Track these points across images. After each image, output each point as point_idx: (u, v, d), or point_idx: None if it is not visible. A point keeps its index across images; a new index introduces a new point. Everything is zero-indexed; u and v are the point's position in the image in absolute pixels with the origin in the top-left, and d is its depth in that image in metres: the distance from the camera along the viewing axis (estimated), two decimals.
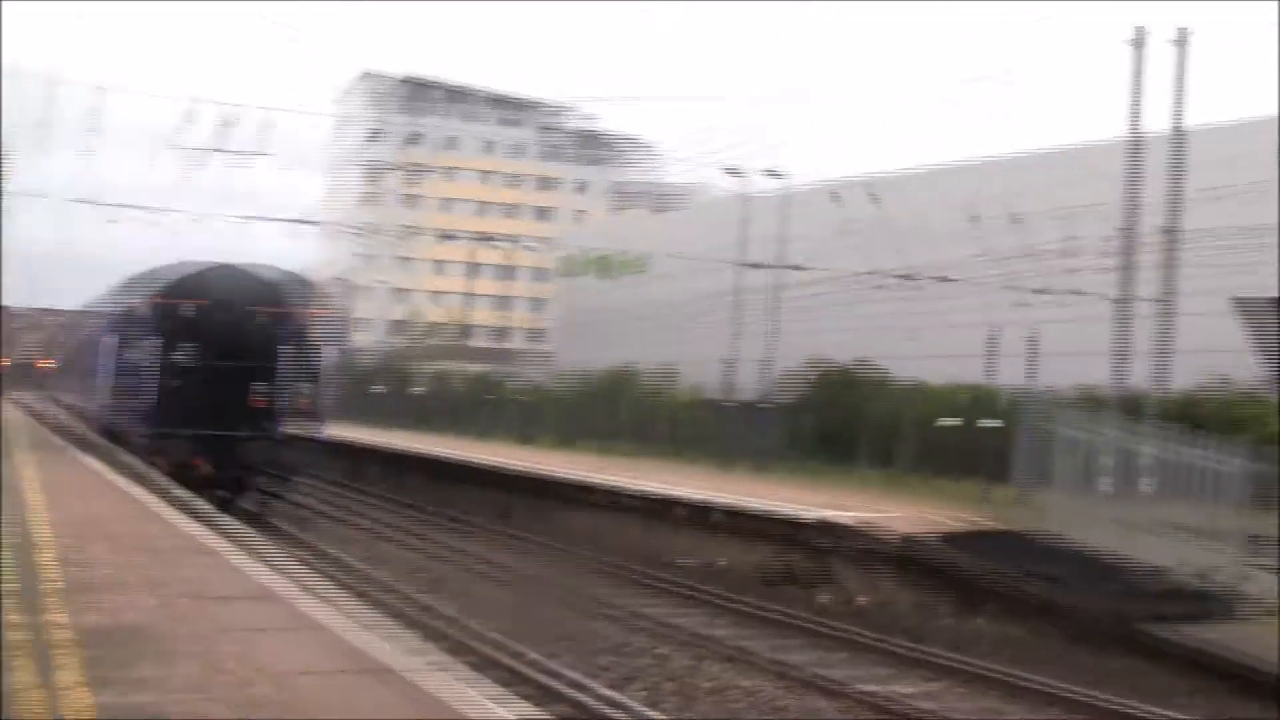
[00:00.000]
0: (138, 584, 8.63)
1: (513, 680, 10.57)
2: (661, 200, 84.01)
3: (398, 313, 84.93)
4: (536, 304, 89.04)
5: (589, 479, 23.53)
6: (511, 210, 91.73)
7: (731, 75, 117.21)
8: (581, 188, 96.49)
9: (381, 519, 24.28)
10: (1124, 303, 25.55)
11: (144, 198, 67.71)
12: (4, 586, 8.16)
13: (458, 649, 11.35)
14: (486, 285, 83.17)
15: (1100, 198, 28.39)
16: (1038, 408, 19.83)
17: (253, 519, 18.65)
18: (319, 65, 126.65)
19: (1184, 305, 25.37)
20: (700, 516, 20.04)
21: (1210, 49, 36.81)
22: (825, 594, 16.72)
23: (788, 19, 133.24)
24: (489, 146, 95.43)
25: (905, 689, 11.96)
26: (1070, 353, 26.80)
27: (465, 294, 76.60)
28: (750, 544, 18.74)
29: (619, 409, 37.39)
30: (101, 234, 56.20)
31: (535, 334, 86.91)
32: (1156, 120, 25.45)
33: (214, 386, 21.01)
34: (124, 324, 22.32)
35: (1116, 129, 26.45)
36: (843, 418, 29.54)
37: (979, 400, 26.75)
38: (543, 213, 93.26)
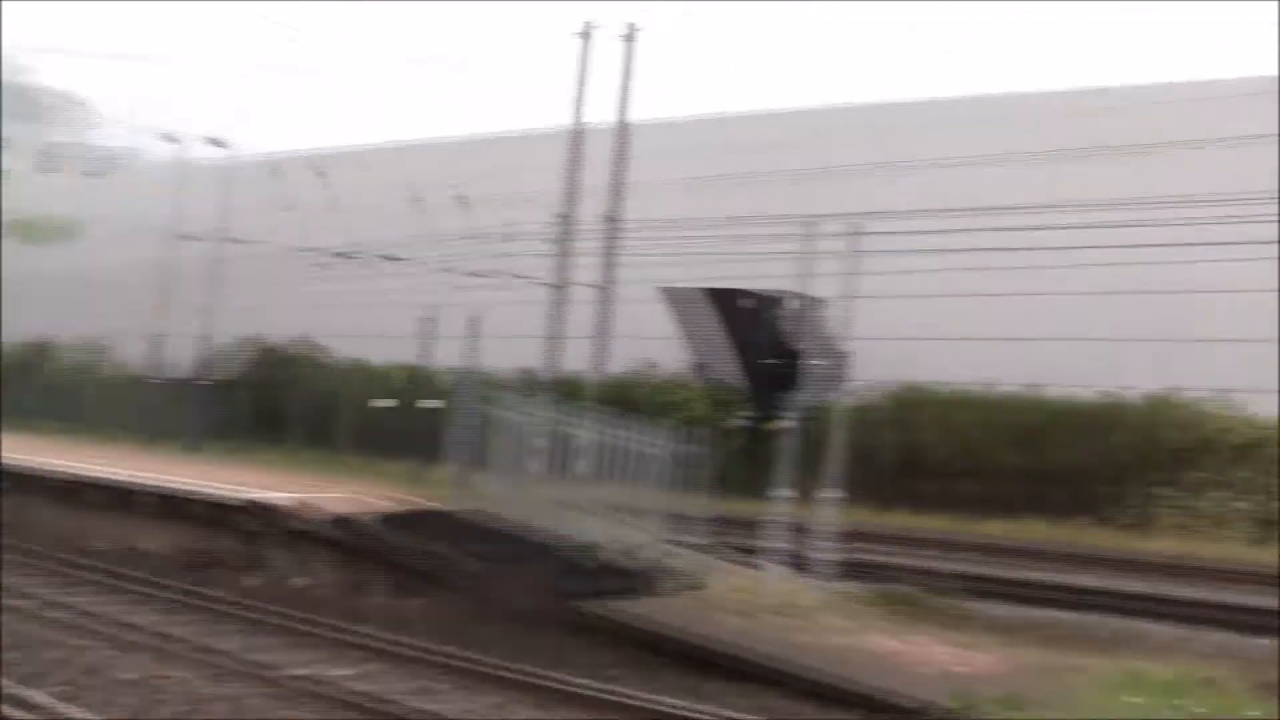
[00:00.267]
0: None
1: None
2: (95, 164, 78.67)
3: None
4: None
5: None
6: None
7: (203, 38, 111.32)
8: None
9: None
10: (561, 288, 26.41)
11: None
12: None
13: None
14: None
15: (544, 184, 29.27)
16: (474, 389, 20.04)
17: None
18: None
19: (622, 292, 26.59)
20: (122, 499, 18.74)
21: (657, 47, 38.89)
22: (257, 578, 16.06)
23: None
24: None
25: (339, 671, 11.62)
26: (511, 335, 27.39)
27: None
28: (177, 528, 17.72)
29: (35, 383, 34.64)
30: None
31: None
32: (603, 112, 26.55)
33: None
34: None
35: (563, 117, 27.37)
36: (279, 397, 28.76)
37: (416, 381, 26.81)
38: None
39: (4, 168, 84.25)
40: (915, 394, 30.57)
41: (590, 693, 11.00)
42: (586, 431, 17.27)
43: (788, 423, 18.62)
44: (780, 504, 17.88)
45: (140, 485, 18.79)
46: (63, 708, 9.53)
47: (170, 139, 38.68)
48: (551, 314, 26.10)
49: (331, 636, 13.03)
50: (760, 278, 27.48)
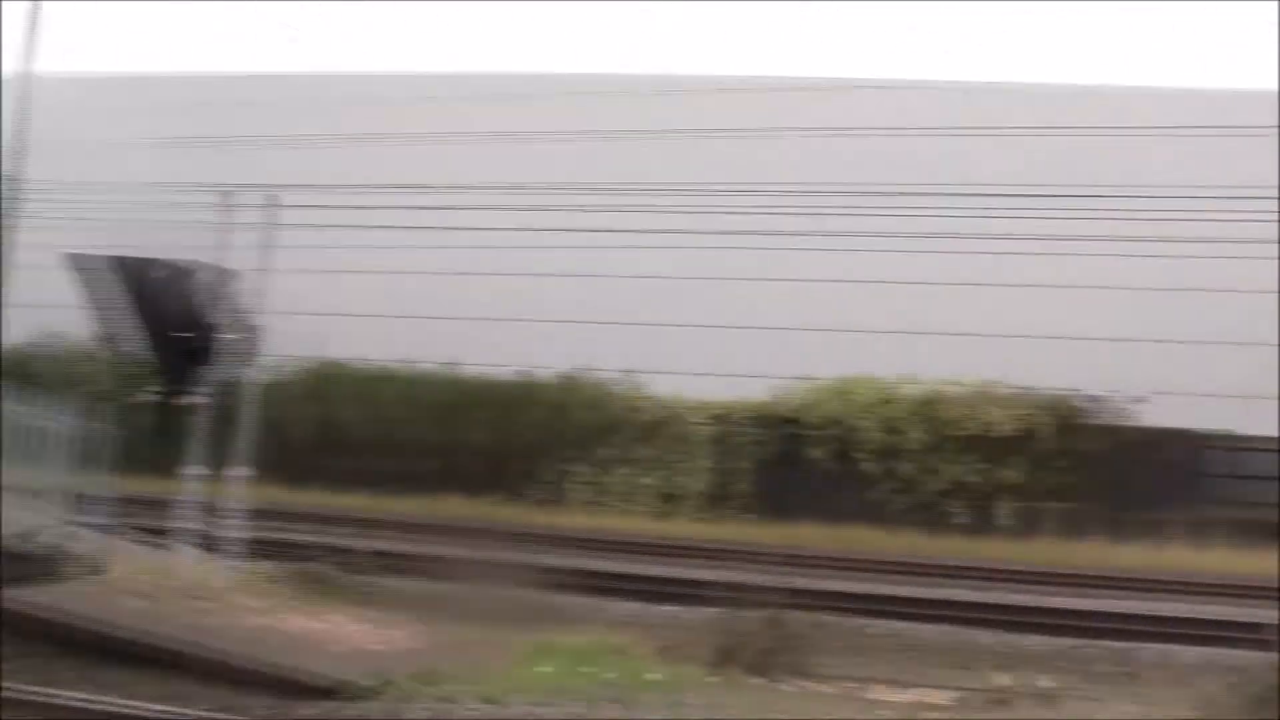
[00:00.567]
0: None
1: None
2: None
3: None
4: None
5: None
6: None
7: None
8: None
9: None
10: None
11: None
12: None
13: None
14: None
15: None
16: None
17: None
18: None
19: (24, 258, 24.58)
20: None
21: None
22: None
23: None
24: None
25: None
26: None
27: None
28: None
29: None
30: None
31: None
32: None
33: None
34: None
35: None
36: None
37: None
38: None
39: None
40: (333, 370, 30.51)
41: None
42: None
43: (199, 398, 18.08)
44: (191, 482, 17.29)
45: None
46: None
47: None
48: None
49: None
50: (175, 247, 26.39)
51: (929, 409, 27.27)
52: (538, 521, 23.92)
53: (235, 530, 16.68)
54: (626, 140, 29.19)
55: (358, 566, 15.97)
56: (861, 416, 27.45)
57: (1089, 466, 26.53)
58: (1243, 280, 28.62)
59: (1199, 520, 25.17)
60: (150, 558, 15.21)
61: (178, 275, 26.87)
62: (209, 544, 16.50)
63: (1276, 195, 26.35)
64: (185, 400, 19.46)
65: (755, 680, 11.64)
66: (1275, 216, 26.82)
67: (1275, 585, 19.79)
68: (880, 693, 11.74)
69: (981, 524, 26.16)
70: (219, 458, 17.64)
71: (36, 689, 10.25)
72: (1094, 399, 27.53)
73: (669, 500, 27.87)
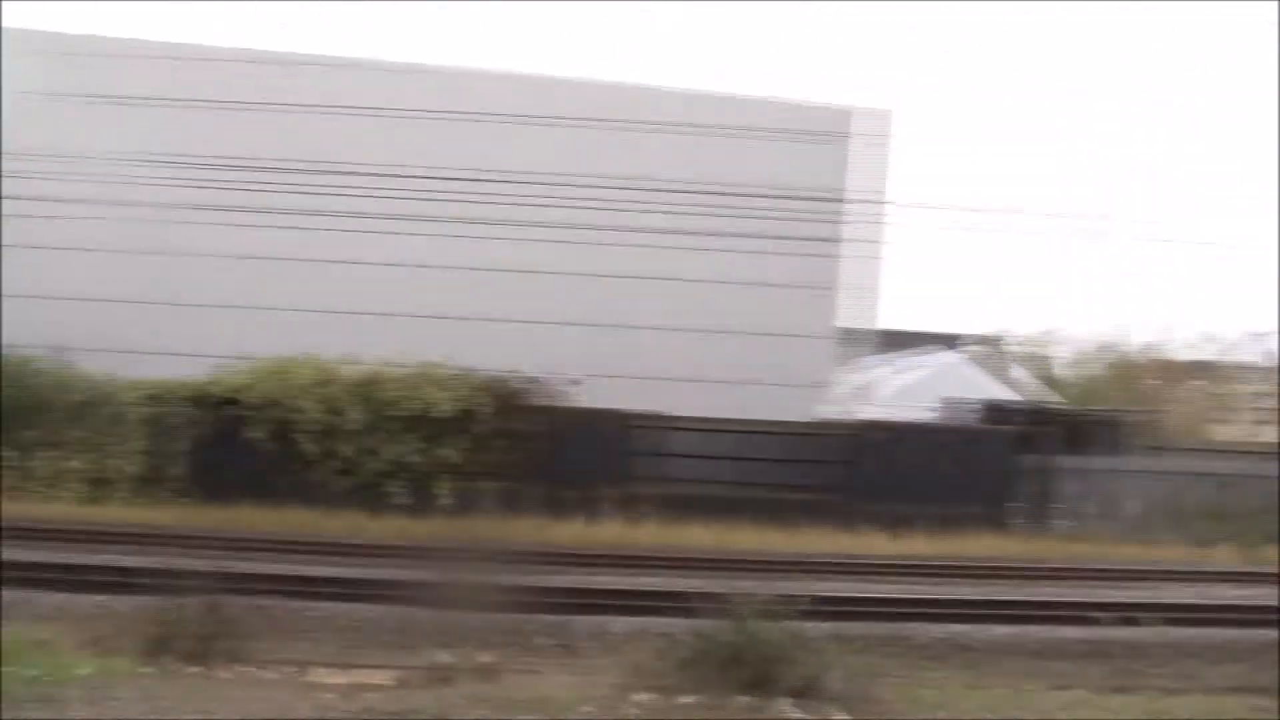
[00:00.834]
0: None
1: None
2: None
3: None
4: None
5: None
6: None
7: None
8: None
9: None
10: None
11: None
12: None
13: None
14: None
15: None
16: None
17: None
18: None
19: None
20: None
21: None
22: None
23: None
24: None
25: None
26: None
27: None
28: None
29: None
30: None
31: None
32: None
33: None
34: None
35: None
36: None
37: None
38: None
39: None
40: None
41: None
42: None
43: None
44: None
45: None
46: None
47: None
48: None
49: None
50: None
51: (369, 389, 27.23)
52: None
53: None
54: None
55: None
56: (301, 397, 26.94)
57: (527, 446, 27.40)
58: (668, 270, 30.76)
59: (629, 497, 26.68)
60: None
61: None
62: None
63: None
64: None
65: (192, 669, 11.06)
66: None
67: (696, 555, 21.30)
68: (320, 675, 11.46)
69: (422, 504, 26.41)
70: None
71: None
72: (532, 381, 28.45)
73: (100, 484, 26.17)
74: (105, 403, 26.91)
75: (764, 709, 9.83)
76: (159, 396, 27.17)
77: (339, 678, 11.42)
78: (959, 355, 45.41)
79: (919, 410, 35.76)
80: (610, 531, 25.05)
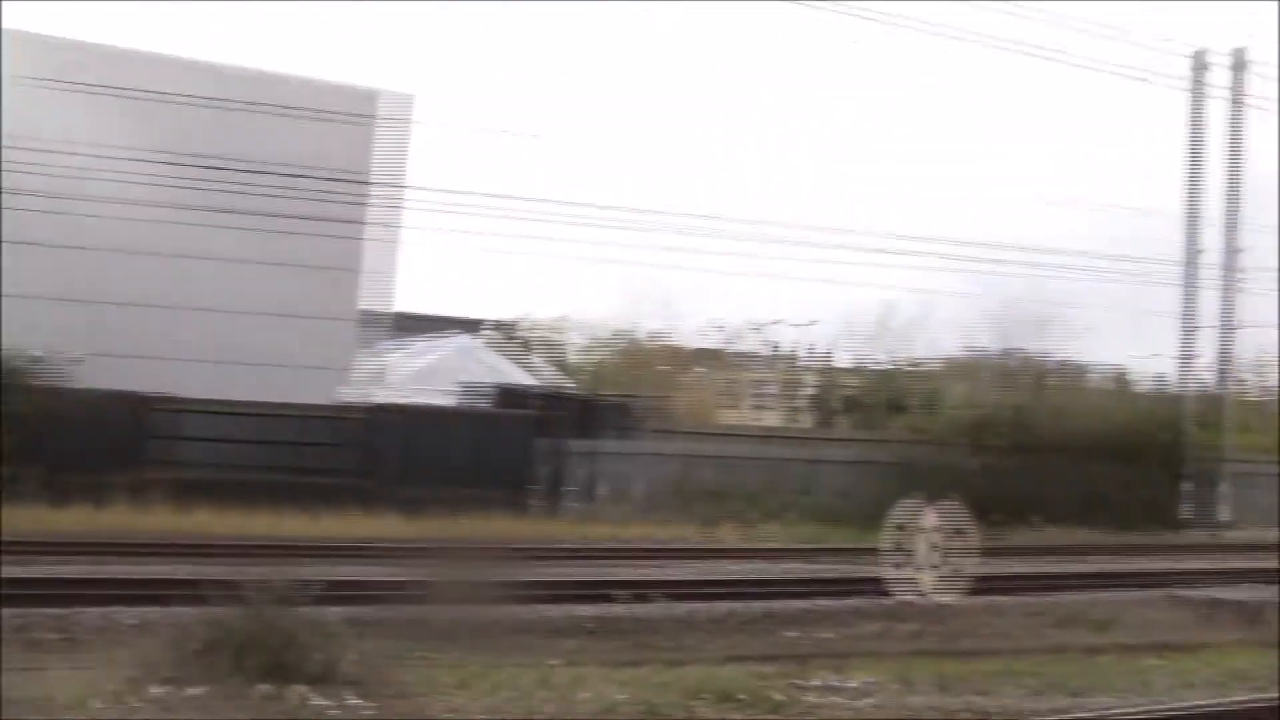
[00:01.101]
0: None
1: None
2: None
3: None
4: None
5: None
6: None
7: None
8: None
9: None
10: None
11: None
12: None
13: None
14: None
15: None
16: None
17: None
18: None
19: None
20: None
21: None
22: None
23: None
24: None
25: None
26: None
27: None
28: None
29: None
30: None
31: None
32: None
33: None
34: None
35: None
36: None
37: None
38: None
39: None
40: None
41: None
42: None
43: None
44: None
45: None
46: None
47: None
48: None
49: None
50: None
51: None
52: None
53: None
54: None
55: None
56: None
57: (26, 429, 25.66)
58: (188, 248, 29.72)
59: (140, 481, 25.58)
60: None
61: None
62: None
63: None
64: None
65: None
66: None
67: (211, 542, 20.76)
68: None
69: None
70: None
71: None
72: (35, 360, 26.74)
73: None
74: None
75: (280, 696, 9.82)
76: None
77: None
78: (477, 340, 46.30)
79: (436, 394, 36.22)
80: (119, 518, 23.92)
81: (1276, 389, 58.25)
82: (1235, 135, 37.30)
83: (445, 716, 9.94)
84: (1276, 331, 39.45)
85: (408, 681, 10.73)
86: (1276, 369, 55.11)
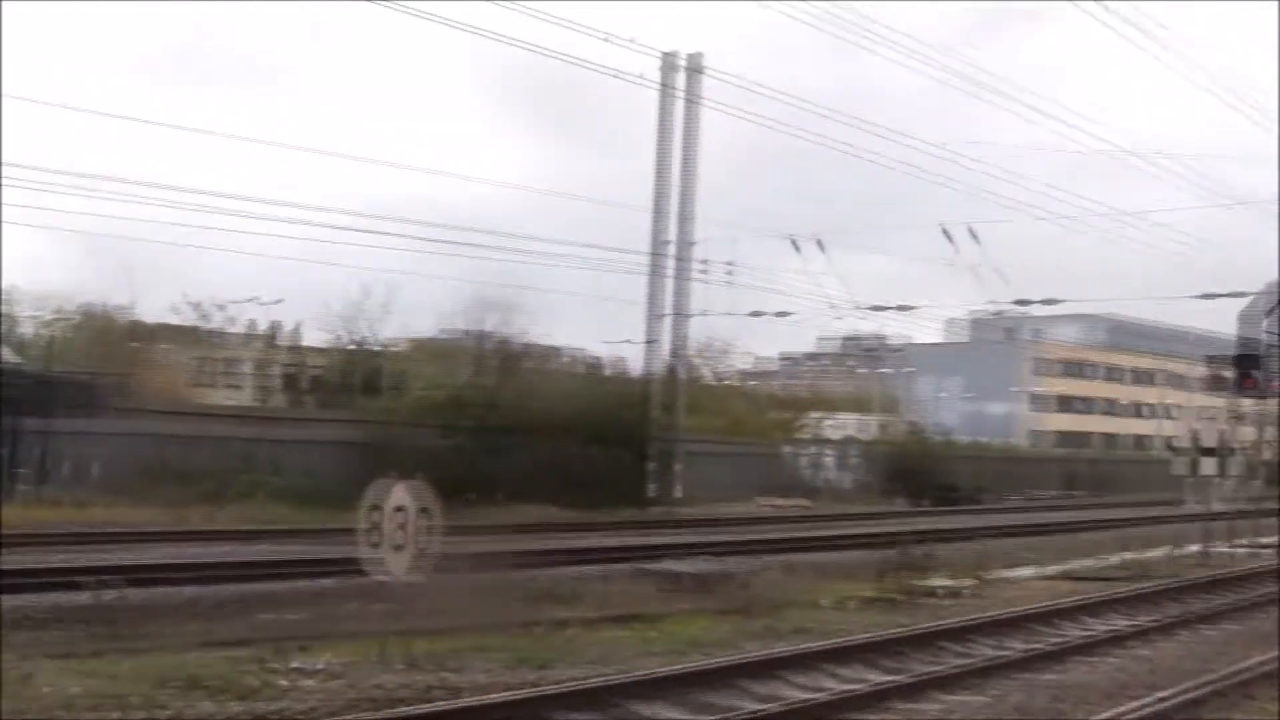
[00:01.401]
0: None
1: None
2: None
3: None
4: None
5: None
6: None
7: None
8: None
9: None
10: None
11: None
12: None
13: None
14: None
15: None
16: None
17: None
18: None
19: None
20: None
21: None
22: None
23: None
24: None
25: None
26: None
27: None
28: None
29: None
30: None
31: None
32: None
33: None
34: None
35: None
36: None
37: None
38: None
39: None
40: None
41: None
42: None
43: None
44: None
45: None
46: None
47: None
48: None
49: None
50: None
51: None
52: None
53: None
54: None
55: None
56: None
57: None
58: None
59: None
60: None
61: None
62: None
63: None
64: None
65: None
66: None
67: None
68: None
69: None
70: None
71: None
72: None
73: None
74: None
75: None
76: None
77: None
78: None
79: None
80: None
81: (730, 374, 63.17)
82: (690, 134, 39.89)
83: None
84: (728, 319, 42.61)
85: None
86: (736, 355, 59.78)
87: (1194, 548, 26.42)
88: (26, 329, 49.95)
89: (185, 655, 11.90)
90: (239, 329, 57.49)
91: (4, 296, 47.50)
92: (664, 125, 39.92)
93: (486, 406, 35.87)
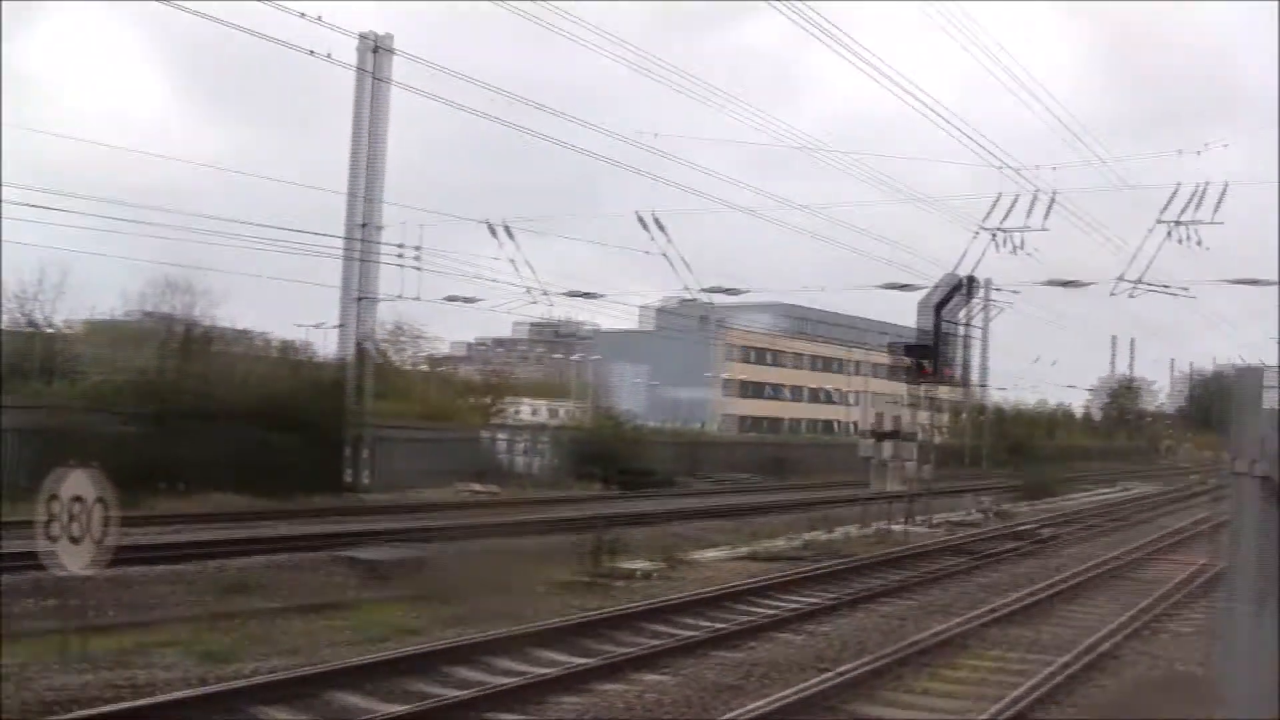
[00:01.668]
0: None
1: None
2: None
3: None
4: None
5: None
6: None
7: None
8: None
9: None
10: None
11: None
12: None
13: None
14: None
15: None
16: None
17: None
18: None
19: None
20: None
21: None
22: None
23: None
24: None
25: None
26: None
27: None
28: None
29: None
30: None
31: None
32: None
33: None
34: None
35: None
36: None
37: None
38: None
39: None
40: None
41: None
42: None
43: None
44: None
45: None
46: None
47: None
48: None
49: None
50: None
51: None
52: None
53: None
54: None
55: None
56: None
57: None
58: None
59: None
60: None
61: None
62: None
63: None
64: None
65: None
66: None
67: None
68: None
69: None
70: None
71: None
72: None
73: None
74: None
75: None
76: None
77: None
78: None
79: None
80: None
81: (421, 359, 62.60)
82: (378, 114, 39.22)
83: None
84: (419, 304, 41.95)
85: None
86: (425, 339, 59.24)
87: (877, 526, 27.83)
88: None
89: None
90: None
91: None
92: (360, 106, 39.15)
93: (172, 392, 34.34)
